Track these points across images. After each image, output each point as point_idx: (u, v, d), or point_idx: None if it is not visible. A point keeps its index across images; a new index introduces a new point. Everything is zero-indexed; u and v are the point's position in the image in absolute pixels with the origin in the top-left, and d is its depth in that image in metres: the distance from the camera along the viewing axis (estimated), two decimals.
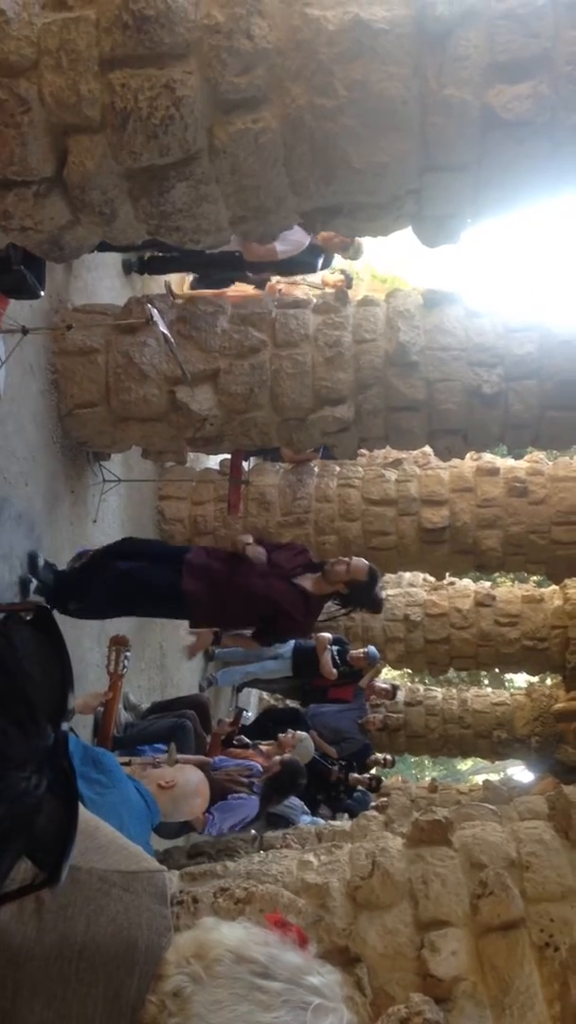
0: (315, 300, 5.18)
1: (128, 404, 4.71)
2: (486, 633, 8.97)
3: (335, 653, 7.55)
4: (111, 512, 5.68)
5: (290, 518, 6.91)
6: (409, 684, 12.48)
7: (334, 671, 7.44)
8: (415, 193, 2.66)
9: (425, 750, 11.18)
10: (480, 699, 10.65)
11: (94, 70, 2.40)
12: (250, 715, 9.26)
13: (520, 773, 13.67)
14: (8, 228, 2.70)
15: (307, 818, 6.14)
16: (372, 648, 8.03)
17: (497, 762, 13.43)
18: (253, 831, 4.36)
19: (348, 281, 6.94)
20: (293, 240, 5.15)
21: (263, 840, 3.93)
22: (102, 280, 5.49)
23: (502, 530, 6.97)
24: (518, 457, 7.74)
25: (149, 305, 4.40)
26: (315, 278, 6.82)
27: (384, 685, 9.08)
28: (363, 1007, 1.86)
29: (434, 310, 5.01)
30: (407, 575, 9.54)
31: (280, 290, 6.29)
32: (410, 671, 12.80)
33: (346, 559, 4.74)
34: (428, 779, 16.27)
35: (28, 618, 1.45)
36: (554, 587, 9.11)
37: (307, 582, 4.62)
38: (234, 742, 6.93)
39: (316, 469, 7.26)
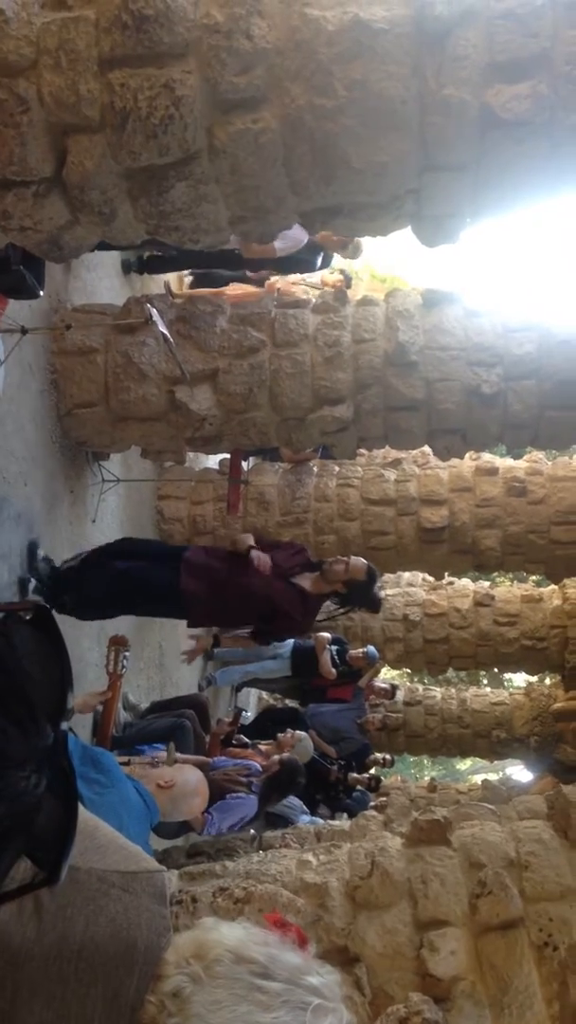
0: (314, 300, 5.18)
1: (127, 404, 4.71)
2: (485, 633, 8.97)
3: (334, 653, 7.56)
4: (110, 512, 5.68)
5: (289, 518, 6.91)
6: (408, 684, 12.48)
7: (333, 671, 7.44)
8: (414, 193, 2.66)
9: (424, 750, 11.19)
10: (479, 699, 10.65)
11: (93, 70, 2.40)
12: (249, 715, 9.26)
13: (519, 773, 13.68)
14: (7, 228, 2.70)
15: (306, 818, 6.14)
16: (371, 648, 8.03)
17: (496, 762, 13.44)
18: (252, 831, 4.36)
19: (347, 281, 6.93)
20: (292, 237, 5.15)
21: (262, 840, 3.93)
22: (101, 280, 5.49)
23: (501, 530, 6.98)
24: (517, 457, 7.74)
25: (148, 305, 4.40)
26: (314, 278, 6.82)
27: (383, 685, 9.08)
28: (362, 1007, 1.86)
29: (433, 310, 5.01)
30: (406, 575, 9.54)
31: (279, 289, 6.28)
32: (409, 671, 12.80)
33: (344, 558, 4.74)
34: (427, 779, 16.29)
35: (27, 617, 1.45)
36: (553, 587, 9.11)
37: (305, 581, 4.63)
38: (233, 742, 6.93)
39: (315, 469, 7.26)
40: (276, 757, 5.48)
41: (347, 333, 4.91)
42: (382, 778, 9.85)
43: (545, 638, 8.88)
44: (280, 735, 6.30)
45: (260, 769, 5.39)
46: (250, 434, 4.92)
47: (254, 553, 4.46)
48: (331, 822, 4.80)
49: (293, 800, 6.03)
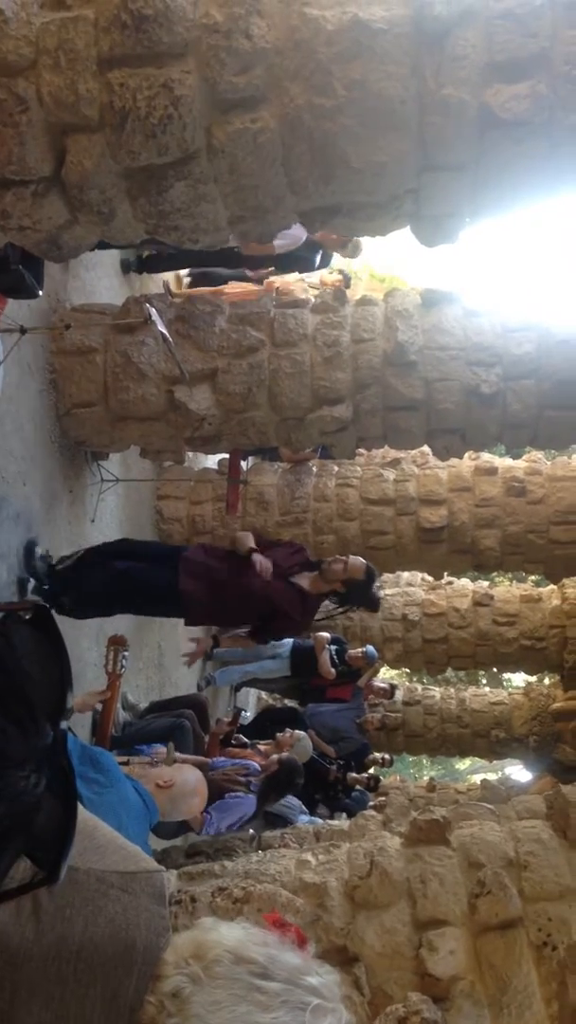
0: (313, 299, 5.18)
1: (126, 403, 4.71)
2: (484, 632, 8.98)
3: (333, 652, 7.56)
4: (109, 512, 5.68)
5: (288, 518, 6.91)
6: (407, 683, 12.49)
7: (332, 670, 7.44)
8: (413, 192, 2.66)
9: (423, 749, 11.19)
10: (478, 698, 10.66)
11: (92, 69, 2.40)
12: (248, 715, 9.27)
13: (518, 772, 13.69)
14: (6, 228, 2.70)
15: (305, 817, 6.14)
16: (370, 647, 8.03)
17: (495, 761, 13.44)
18: (251, 830, 4.36)
19: (346, 281, 6.93)
20: (291, 235, 5.14)
21: (261, 839, 3.93)
22: (100, 279, 5.48)
23: (500, 529, 6.98)
24: (516, 457, 7.75)
25: (147, 304, 4.40)
26: (313, 277, 6.82)
27: (382, 684, 9.09)
28: (361, 1006, 1.86)
29: (432, 310, 5.01)
30: (405, 575, 9.55)
31: (277, 288, 6.28)
32: (408, 670, 12.80)
33: (343, 557, 4.74)
34: (426, 778, 16.29)
35: (27, 617, 1.45)
36: (552, 587, 9.12)
37: (304, 581, 4.62)
38: (232, 742, 6.94)
39: (314, 469, 7.26)
40: (275, 757, 5.48)
41: (346, 333, 4.91)
42: (381, 778, 9.85)
43: (544, 638, 8.88)
44: (279, 735, 6.30)
45: (259, 769, 5.39)
46: (249, 434, 4.92)
47: (256, 557, 4.45)
48: (330, 822, 4.80)
49: (292, 800, 6.03)
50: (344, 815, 6.89)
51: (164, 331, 4.26)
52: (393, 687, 9.35)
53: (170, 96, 2.38)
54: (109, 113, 2.43)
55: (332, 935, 2.00)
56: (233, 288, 6.17)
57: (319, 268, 6.27)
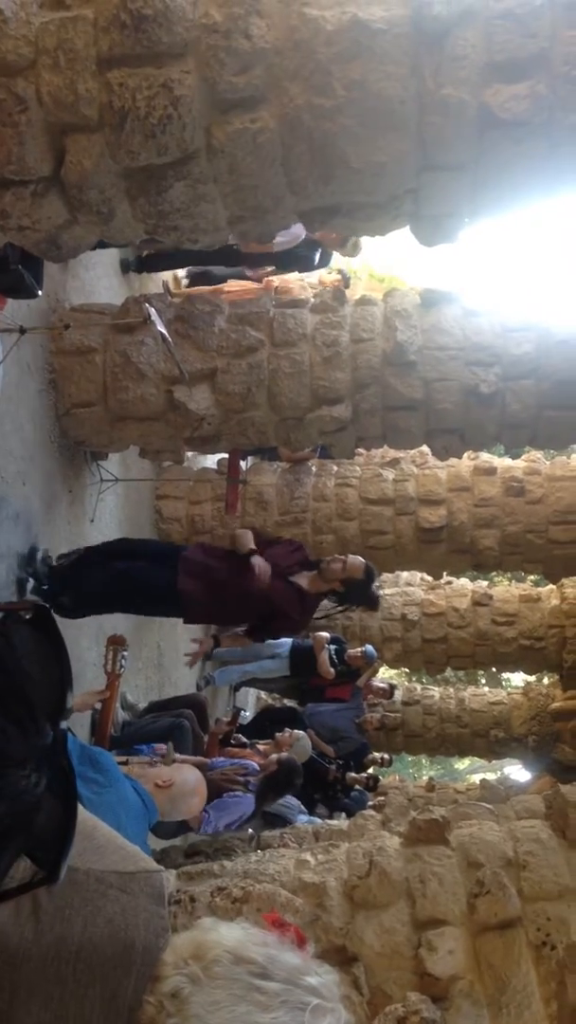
0: (312, 299, 5.18)
1: (126, 403, 4.71)
2: (483, 632, 8.98)
3: (333, 652, 7.56)
4: (109, 511, 5.68)
5: (288, 517, 6.91)
6: (406, 683, 12.49)
7: (331, 670, 7.44)
8: (413, 192, 2.66)
9: (422, 749, 11.19)
10: (477, 698, 10.66)
11: (92, 69, 2.40)
12: (248, 714, 9.27)
13: (517, 772, 13.70)
14: (6, 227, 2.69)
15: (304, 817, 6.14)
16: (369, 647, 8.03)
17: (494, 761, 13.45)
18: (250, 830, 4.36)
19: (345, 280, 6.93)
20: (290, 232, 5.14)
21: (260, 839, 3.93)
22: (100, 279, 5.48)
23: (499, 529, 6.98)
24: (515, 457, 7.75)
25: (147, 304, 4.39)
26: (313, 277, 6.81)
27: (381, 684, 9.09)
28: (360, 1006, 1.87)
29: (432, 309, 5.01)
30: (404, 574, 9.55)
31: (276, 287, 6.28)
32: (407, 670, 12.81)
33: (342, 557, 4.74)
34: (425, 778, 16.30)
35: (27, 617, 1.46)
36: (551, 586, 9.12)
37: (303, 580, 4.62)
38: (231, 741, 6.94)
39: (314, 468, 7.26)
40: (274, 756, 5.47)
41: (345, 333, 4.91)
42: (380, 777, 9.85)
43: (543, 638, 8.88)
44: (278, 734, 6.30)
45: (258, 768, 5.39)
46: (248, 434, 4.92)
47: (255, 560, 4.44)
48: (329, 821, 4.80)
49: (291, 800, 6.03)
50: (343, 815, 6.88)
51: (163, 331, 4.26)
52: (392, 687, 9.35)
53: (169, 96, 2.38)
54: (108, 113, 2.43)
55: (331, 935, 2.00)
56: (232, 286, 6.17)
57: (318, 267, 6.27)
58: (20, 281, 3.72)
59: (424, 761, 21.02)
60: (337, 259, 6.49)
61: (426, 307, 5.03)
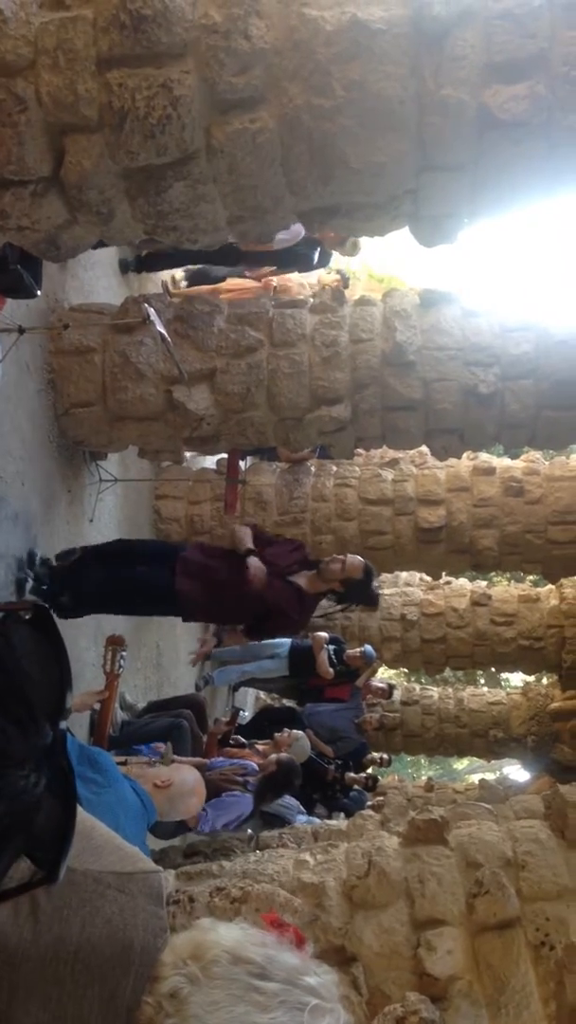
0: (311, 299, 5.18)
1: (125, 403, 4.71)
2: (482, 632, 8.98)
3: (332, 652, 7.55)
4: (108, 512, 5.68)
5: (287, 518, 6.91)
6: (405, 683, 12.49)
7: (331, 670, 7.44)
8: (412, 193, 2.66)
9: (421, 749, 11.19)
10: (476, 698, 10.66)
11: (91, 69, 2.40)
12: (247, 714, 9.26)
13: (516, 772, 13.70)
14: (5, 227, 2.69)
15: (303, 817, 6.14)
16: (368, 647, 8.03)
17: (493, 761, 13.46)
18: (249, 830, 4.36)
19: (345, 281, 6.94)
20: (291, 229, 5.14)
21: (259, 839, 3.93)
22: (99, 279, 5.48)
23: (498, 530, 6.99)
24: (514, 457, 7.75)
25: (146, 304, 4.39)
26: (312, 277, 6.81)
27: (380, 684, 9.09)
28: (359, 1006, 1.87)
29: (431, 310, 5.01)
30: (403, 574, 9.55)
31: (275, 287, 6.28)
32: (406, 670, 12.81)
33: (341, 557, 4.73)
34: (424, 778, 16.29)
35: (27, 617, 1.45)
36: (550, 586, 9.12)
37: (302, 580, 4.62)
38: (230, 742, 6.93)
39: (313, 469, 7.26)
40: (273, 757, 5.47)
41: (345, 333, 4.91)
42: (379, 777, 9.85)
43: (542, 638, 8.89)
44: (277, 734, 6.30)
45: (257, 769, 5.39)
46: (248, 434, 4.92)
47: (251, 561, 4.43)
48: (328, 822, 4.81)
49: (289, 800, 6.03)
50: (342, 815, 6.89)
51: (162, 331, 4.26)
52: (391, 687, 9.35)
53: (169, 96, 2.38)
54: (108, 113, 2.43)
55: (330, 935, 2.00)
56: (230, 285, 6.17)
57: (317, 266, 6.27)
58: (19, 281, 3.72)
59: (423, 761, 21.03)
60: (336, 259, 6.49)
61: (425, 307, 5.03)
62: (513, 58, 2.36)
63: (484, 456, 7.31)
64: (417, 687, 11.41)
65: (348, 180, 2.57)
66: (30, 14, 2.39)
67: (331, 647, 7.59)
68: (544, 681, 11.20)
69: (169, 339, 4.37)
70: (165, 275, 6.34)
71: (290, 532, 6.70)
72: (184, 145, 2.47)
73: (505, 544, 7.01)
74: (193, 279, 6.43)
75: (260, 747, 6.50)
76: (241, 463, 6.52)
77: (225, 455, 6.00)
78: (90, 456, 5.28)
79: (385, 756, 9.38)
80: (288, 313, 4.90)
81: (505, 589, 9.62)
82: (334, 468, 7.27)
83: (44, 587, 4.22)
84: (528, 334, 4.99)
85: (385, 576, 9.08)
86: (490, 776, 12.43)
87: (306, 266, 6.16)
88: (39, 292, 3.98)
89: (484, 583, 9.88)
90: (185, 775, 3.19)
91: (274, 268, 6.15)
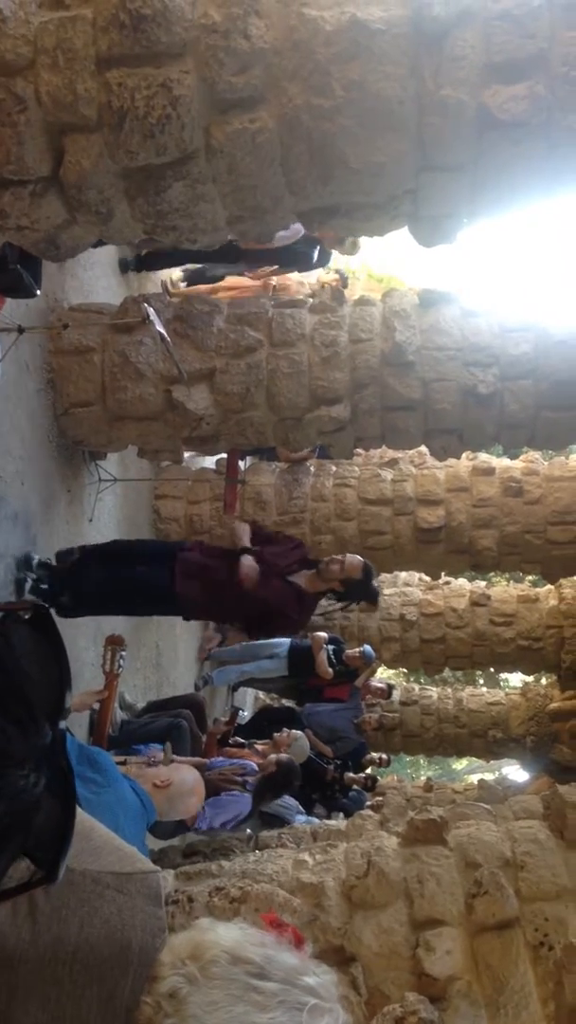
0: (310, 299, 5.18)
1: (124, 403, 4.71)
2: (481, 633, 8.98)
3: (331, 652, 7.55)
4: (107, 511, 5.68)
5: (286, 517, 6.91)
6: (404, 683, 12.49)
7: (330, 670, 7.44)
8: (411, 193, 2.66)
9: (420, 749, 11.19)
10: (475, 698, 10.66)
11: (91, 69, 2.40)
12: (246, 714, 9.26)
13: (515, 772, 13.70)
14: (4, 227, 2.69)
15: (302, 817, 6.14)
16: (368, 647, 8.03)
17: (492, 761, 13.46)
18: (248, 830, 4.36)
19: (344, 281, 6.94)
20: (291, 227, 5.14)
21: (258, 839, 3.93)
22: (98, 279, 5.48)
23: (498, 530, 6.99)
24: (514, 457, 7.75)
25: (145, 304, 4.39)
26: (311, 277, 6.81)
27: (380, 684, 9.09)
28: (358, 1006, 1.87)
29: (430, 310, 5.01)
30: (403, 575, 9.55)
31: (274, 286, 6.28)
32: (406, 670, 12.81)
33: (340, 557, 4.73)
34: (423, 778, 16.30)
35: (26, 617, 1.45)
36: (549, 587, 9.13)
37: (301, 579, 4.61)
38: (230, 741, 6.93)
39: (312, 468, 7.26)
40: (272, 757, 5.47)
41: (344, 333, 4.91)
42: (378, 778, 9.85)
43: (541, 638, 8.89)
44: (276, 734, 6.30)
45: (256, 769, 5.39)
46: (247, 434, 4.92)
47: (244, 558, 4.42)
48: (327, 822, 4.81)
49: (289, 800, 6.03)
50: (341, 815, 6.89)
51: (162, 331, 4.26)
52: (390, 687, 9.35)
53: (168, 96, 2.38)
54: (107, 113, 2.43)
55: (329, 935, 2.00)
56: (230, 283, 6.17)
57: (317, 265, 6.27)
58: (18, 280, 3.72)
59: (422, 761, 21.03)
60: (336, 258, 6.49)
61: (424, 307, 5.03)
62: (512, 58, 2.36)
63: (483, 456, 7.31)
64: (416, 687, 11.41)
65: (348, 180, 2.57)
66: (29, 13, 2.39)
67: (330, 647, 7.59)
68: (543, 681, 11.20)
69: (168, 339, 4.37)
70: (164, 275, 6.34)
71: (289, 532, 6.70)
72: (183, 145, 2.47)
73: (504, 544, 7.01)
74: (191, 279, 6.43)
75: (259, 747, 6.49)
76: (240, 463, 6.51)
77: (224, 455, 6.00)
78: (89, 456, 5.28)
79: (384, 756, 9.37)
80: (287, 313, 4.90)
81: (504, 589, 9.62)
82: (333, 468, 7.27)
83: (44, 587, 4.21)
84: (527, 334, 4.99)
85: (384, 576, 9.08)
86: (489, 776, 12.44)
87: (306, 265, 6.16)
88: (38, 292, 3.98)
89: (483, 583, 9.88)
90: (184, 775, 3.19)
91: (275, 268, 6.15)
